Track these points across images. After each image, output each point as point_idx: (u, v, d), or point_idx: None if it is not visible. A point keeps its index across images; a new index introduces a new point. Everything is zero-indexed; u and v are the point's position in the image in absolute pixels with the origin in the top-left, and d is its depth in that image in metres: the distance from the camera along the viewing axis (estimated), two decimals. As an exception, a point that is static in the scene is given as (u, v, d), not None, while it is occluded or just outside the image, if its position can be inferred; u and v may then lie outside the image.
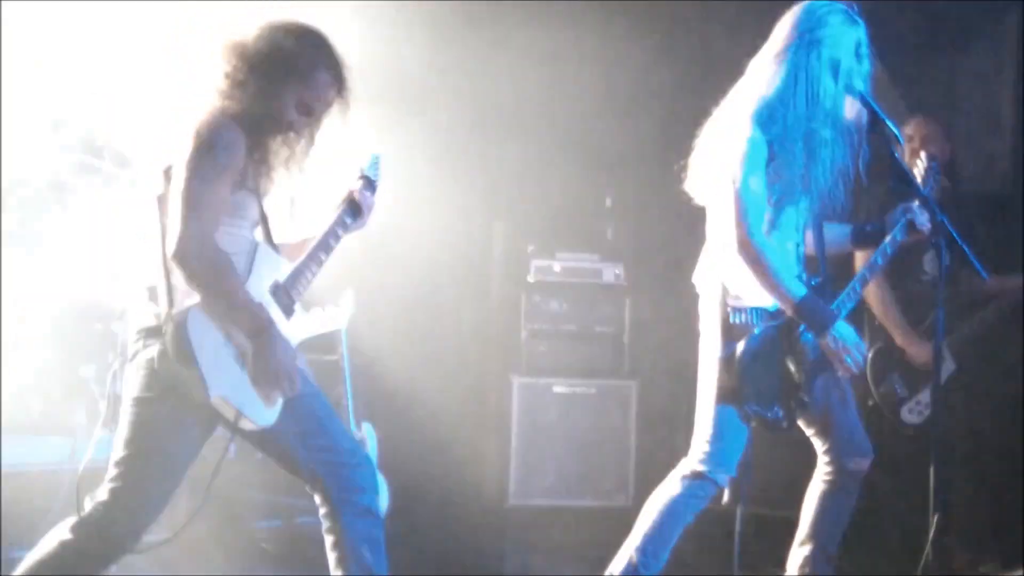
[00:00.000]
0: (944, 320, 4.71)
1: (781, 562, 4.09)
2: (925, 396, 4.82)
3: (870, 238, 4.03)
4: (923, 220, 3.90)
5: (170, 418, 3.18)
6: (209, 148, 3.14)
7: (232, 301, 3.14)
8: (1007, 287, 4.87)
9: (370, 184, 3.67)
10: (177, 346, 3.09)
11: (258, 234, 3.37)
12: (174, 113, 3.31)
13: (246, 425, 3.21)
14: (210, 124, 3.18)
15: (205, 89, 3.26)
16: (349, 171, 3.70)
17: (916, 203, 3.88)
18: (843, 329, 3.68)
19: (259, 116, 3.25)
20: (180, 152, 3.16)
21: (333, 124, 3.44)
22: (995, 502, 5.04)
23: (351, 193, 3.60)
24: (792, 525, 4.05)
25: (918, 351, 4.84)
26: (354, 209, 3.57)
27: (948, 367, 4.79)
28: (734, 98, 3.74)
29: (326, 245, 3.48)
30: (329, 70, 3.36)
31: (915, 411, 4.84)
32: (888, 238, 3.92)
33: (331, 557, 3.40)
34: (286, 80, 3.29)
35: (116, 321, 5.34)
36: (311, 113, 3.36)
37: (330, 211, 3.58)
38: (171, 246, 3.09)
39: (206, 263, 3.10)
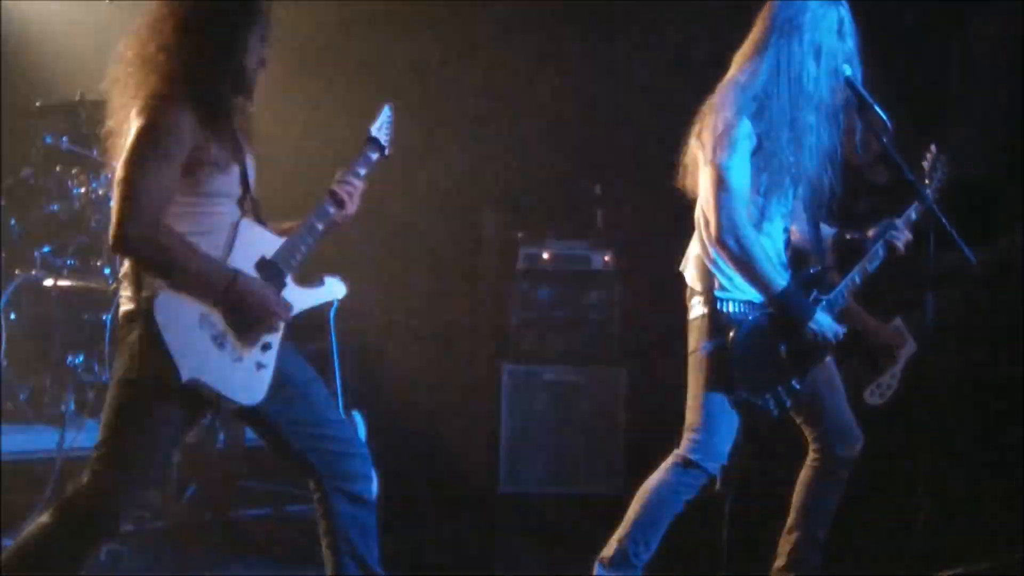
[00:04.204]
0: (900, 301, 4.79)
1: (771, 549, 4.11)
2: (886, 378, 4.84)
3: (850, 246, 4.05)
4: (903, 240, 3.94)
5: (151, 402, 3.15)
6: (149, 136, 3.05)
7: (187, 276, 3.09)
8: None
9: (377, 145, 3.50)
10: (147, 331, 3.07)
11: (239, 210, 3.27)
12: (122, 97, 3.20)
13: (229, 406, 3.20)
14: (151, 109, 3.08)
15: (147, 66, 3.14)
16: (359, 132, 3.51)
17: (897, 222, 3.93)
18: (822, 320, 3.72)
19: (215, 82, 3.15)
20: (124, 139, 3.10)
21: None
22: (976, 483, 5.06)
23: (342, 169, 3.42)
24: (781, 512, 4.06)
25: (878, 334, 4.85)
26: (353, 174, 3.40)
27: (909, 347, 4.81)
28: (720, 91, 3.73)
29: (323, 213, 3.35)
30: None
31: (876, 393, 4.85)
32: (869, 254, 3.96)
33: (323, 541, 3.40)
34: (250, 27, 3.19)
35: (105, 310, 5.32)
36: (265, 63, 3.26)
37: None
38: (110, 236, 3.05)
39: (147, 248, 3.05)
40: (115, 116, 3.23)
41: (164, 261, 3.08)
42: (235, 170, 3.24)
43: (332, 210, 3.37)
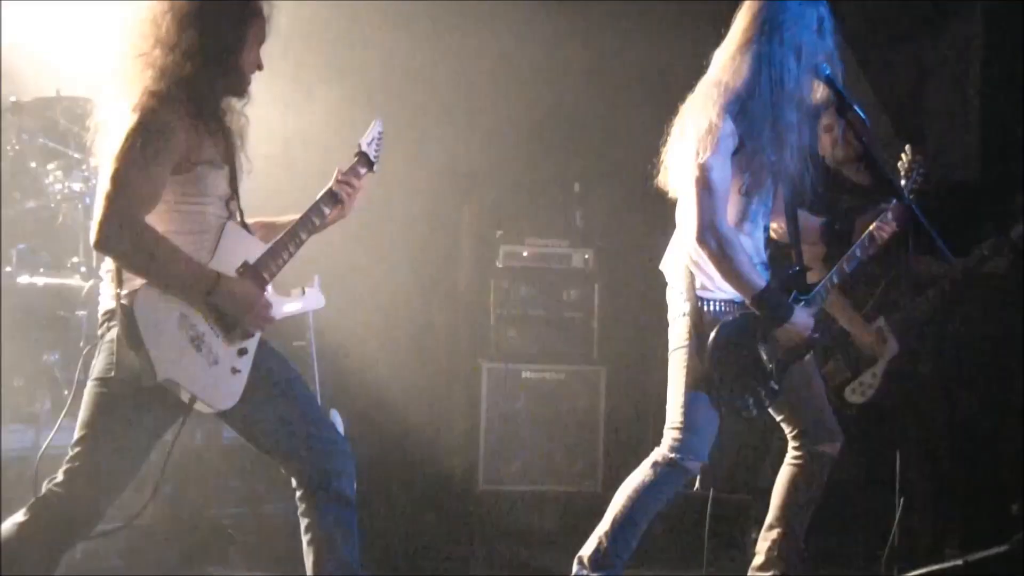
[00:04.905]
0: (884, 301, 4.81)
1: (749, 546, 4.11)
2: (867, 377, 4.87)
3: (839, 236, 4.06)
4: (888, 231, 3.95)
5: (129, 401, 3.14)
6: (139, 135, 3.02)
7: (169, 278, 3.07)
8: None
9: (366, 160, 3.52)
10: (126, 328, 3.05)
11: (227, 211, 3.26)
12: (114, 91, 3.18)
13: (202, 408, 3.18)
14: (142, 107, 3.06)
15: (143, 61, 3.12)
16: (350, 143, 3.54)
17: (888, 208, 3.93)
18: (800, 319, 3.72)
19: (211, 81, 3.15)
20: (115, 135, 3.07)
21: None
22: (952, 481, 5.09)
23: (341, 170, 3.47)
24: (760, 509, 4.06)
25: (862, 333, 4.87)
26: (344, 187, 3.43)
27: (891, 348, 4.84)
28: (701, 90, 3.73)
29: (308, 224, 3.36)
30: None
31: (858, 391, 4.88)
32: (848, 253, 3.96)
33: (304, 539, 3.39)
34: (248, 27, 3.19)
35: (80, 307, 5.29)
36: (261, 65, 3.27)
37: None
38: (92, 233, 3.01)
39: (129, 246, 3.01)
40: (106, 111, 3.19)
41: (145, 262, 3.05)
42: (225, 171, 3.23)
43: (325, 213, 3.39)
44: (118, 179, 3.01)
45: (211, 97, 3.18)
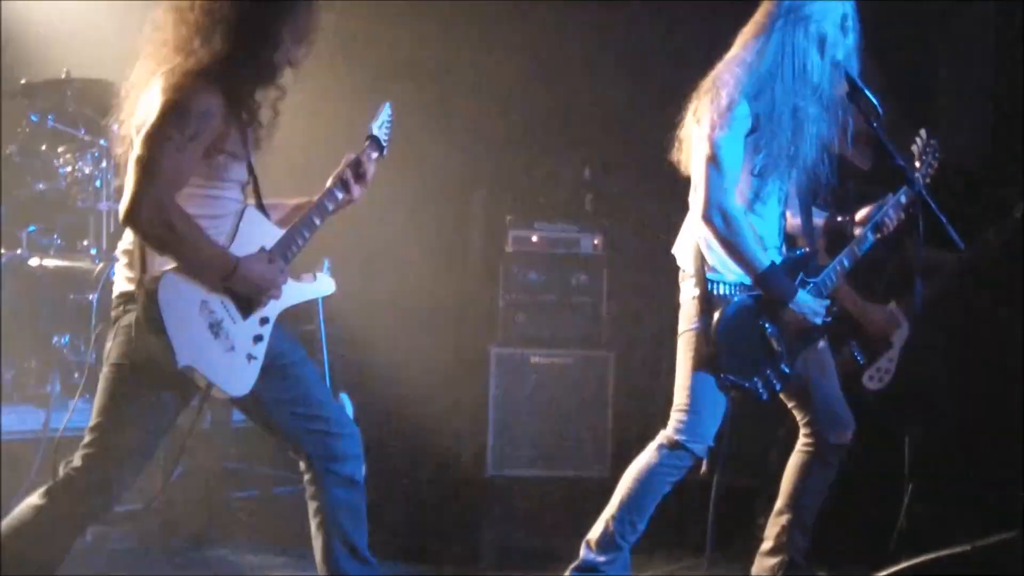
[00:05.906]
0: (894, 285, 4.80)
1: (758, 532, 4.12)
2: (884, 362, 4.86)
3: (840, 228, 4.05)
4: (893, 222, 3.94)
5: (146, 386, 3.15)
6: (179, 115, 3.02)
7: (192, 259, 3.07)
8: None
9: (377, 145, 3.53)
10: (147, 313, 3.05)
11: (243, 196, 3.27)
12: (143, 71, 3.18)
13: (217, 394, 3.19)
14: (183, 88, 3.05)
15: (177, 46, 3.12)
16: (360, 127, 3.54)
17: (888, 205, 3.92)
18: (804, 300, 3.72)
19: (248, 69, 3.14)
20: (149, 114, 3.06)
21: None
22: (964, 468, 5.08)
23: (354, 155, 3.47)
24: (767, 494, 4.07)
25: (872, 319, 4.87)
26: (356, 171, 3.44)
27: (903, 332, 4.83)
28: (722, 69, 3.72)
29: (322, 209, 3.37)
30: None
31: (875, 378, 4.87)
32: (858, 237, 3.93)
33: (312, 523, 3.41)
34: (283, 21, 3.18)
35: (91, 290, 5.30)
36: (295, 62, 3.26)
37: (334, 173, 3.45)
38: (121, 210, 3.01)
39: (158, 225, 3.01)
40: (136, 94, 3.18)
41: (172, 242, 3.05)
42: (245, 160, 3.23)
43: (338, 198, 3.40)
44: (152, 157, 3.00)
45: (246, 90, 3.17)
